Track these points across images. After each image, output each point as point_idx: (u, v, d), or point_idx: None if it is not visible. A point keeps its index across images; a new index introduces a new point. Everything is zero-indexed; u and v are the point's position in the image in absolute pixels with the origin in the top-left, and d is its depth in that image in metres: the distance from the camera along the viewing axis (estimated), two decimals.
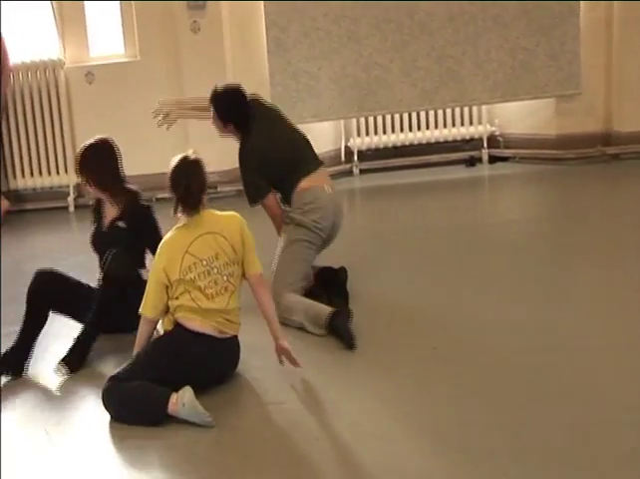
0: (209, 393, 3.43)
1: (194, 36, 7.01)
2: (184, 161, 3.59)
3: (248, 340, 3.68)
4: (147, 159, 7.37)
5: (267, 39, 6.91)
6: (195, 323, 3.49)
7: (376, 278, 4.81)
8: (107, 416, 3.35)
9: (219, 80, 7.02)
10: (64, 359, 3.85)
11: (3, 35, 6.95)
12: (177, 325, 3.53)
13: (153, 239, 3.96)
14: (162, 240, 3.63)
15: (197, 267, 3.51)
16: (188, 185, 3.52)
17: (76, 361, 3.86)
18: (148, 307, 3.56)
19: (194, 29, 7.00)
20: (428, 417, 3.17)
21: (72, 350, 3.88)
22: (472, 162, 7.57)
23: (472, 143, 7.61)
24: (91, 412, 3.46)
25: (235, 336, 3.61)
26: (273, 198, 4.51)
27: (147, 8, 7.10)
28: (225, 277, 3.54)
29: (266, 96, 7.01)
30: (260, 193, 4.47)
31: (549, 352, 3.63)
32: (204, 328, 3.49)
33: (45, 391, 3.76)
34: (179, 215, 3.57)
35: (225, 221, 3.63)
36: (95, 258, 4.30)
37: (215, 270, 3.52)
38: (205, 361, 3.50)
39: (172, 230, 3.61)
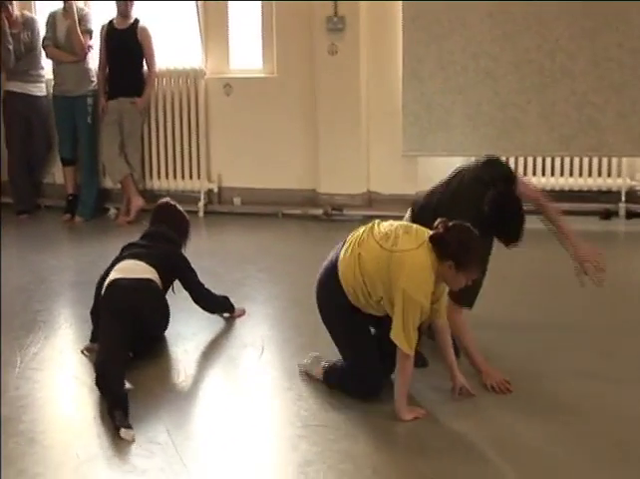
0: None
1: (331, 58, 7.02)
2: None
3: None
4: (276, 174, 7.48)
5: (403, 68, 6.83)
6: None
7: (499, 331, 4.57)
8: None
9: (353, 102, 7.10)
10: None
11: (153, 43, 7.26)
12: None
13: None
14: None
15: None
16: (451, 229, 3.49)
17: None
18: None
19: (332, 51, 7.01)
20: None
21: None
22: (607, 215, 7.14)
23: (608, 195, 7.20)
24: None
25: None
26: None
27: (287, 27, 7.20)
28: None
29: (397, 124, 6.99)
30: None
31: None
32: None
33: None
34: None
35: (403, 265, 3.47)
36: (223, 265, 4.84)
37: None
38: None
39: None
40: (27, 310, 4.99)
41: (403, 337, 3.45)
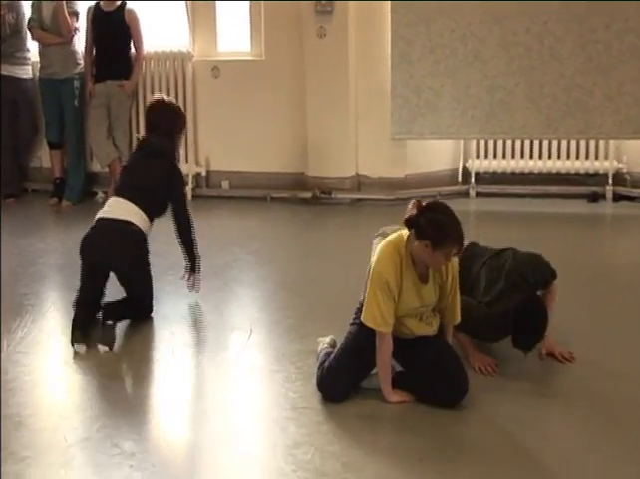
0: None
1: (320, 41, 6.99)
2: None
3: None
4: (264, 157, 7.46)
5: (392, 51, 6.80)
6: None
7: None
8: None
9: (341, 86, 7.08)
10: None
11: (141, 25, 7.20)
12: None
13: None
14: None
15: None
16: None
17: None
18: None
19: (320, 34, 6.97)
20: None
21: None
22: (594, 197, 7.17)
23: (595, 177, 7.22)
24: None
25: None
26: None
27: (275, 10, 7.14)
28: None
29: (386, 107, 6.97)
30: None
31: None
32: None
33: None
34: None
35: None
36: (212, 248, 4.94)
37: None
38: None
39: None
40: (14, 294, 4.97)
41: (368, 314, 3.47)
